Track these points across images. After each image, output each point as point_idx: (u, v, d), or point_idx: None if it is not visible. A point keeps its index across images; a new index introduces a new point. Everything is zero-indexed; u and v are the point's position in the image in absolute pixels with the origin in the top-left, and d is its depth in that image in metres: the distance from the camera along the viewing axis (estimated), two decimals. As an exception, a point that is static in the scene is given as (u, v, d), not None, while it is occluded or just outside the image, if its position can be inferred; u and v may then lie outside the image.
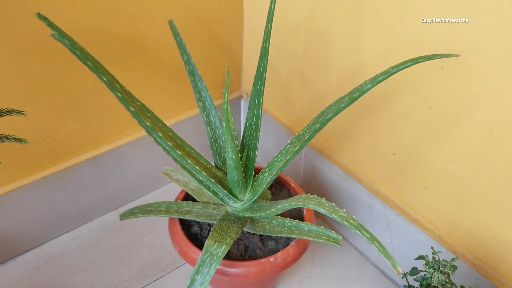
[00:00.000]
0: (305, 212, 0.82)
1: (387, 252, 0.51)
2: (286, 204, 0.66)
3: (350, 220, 0.55)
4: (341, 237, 0.70)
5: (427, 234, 0.83)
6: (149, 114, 0.67)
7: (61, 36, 0.53)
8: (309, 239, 0.72)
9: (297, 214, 0.83)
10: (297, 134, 0.73)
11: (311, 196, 0.64)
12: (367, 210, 0.93)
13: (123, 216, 0.80)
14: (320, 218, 1.08)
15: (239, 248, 0.77)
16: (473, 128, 0.68)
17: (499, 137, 0.65)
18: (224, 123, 0.62)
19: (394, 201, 0.87)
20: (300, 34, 0.92)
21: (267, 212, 0.70)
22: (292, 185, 0.87)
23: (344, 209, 0.58)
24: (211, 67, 1.05)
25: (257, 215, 0.73)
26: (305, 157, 1.04)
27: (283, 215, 0.79)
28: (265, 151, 1.17)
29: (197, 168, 0.68)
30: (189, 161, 0.67)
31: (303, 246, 0.77)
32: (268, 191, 0.85)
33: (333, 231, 0.70)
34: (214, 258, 0.64)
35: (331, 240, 0.70)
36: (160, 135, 0.64)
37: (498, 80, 0.62)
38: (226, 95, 0.62)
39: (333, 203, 0.59)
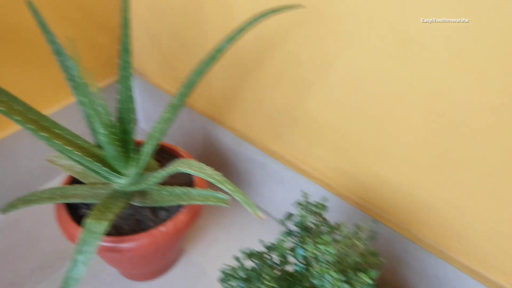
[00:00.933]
0: (195, 178, 0.83)
1: (249, 201, 0.53)
2: (163, 172, 0.66)
3: (215, 177, 0.56)
4: (229, 197, 0.72)
5: (316, 183, 0.87)
6: (5, 99, 0.63)
7: None
8: (199, 203, 0.73)
9: (189, 182, 0.84)
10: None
11: (183, 159, 0.65)
12: (262, 169, 0.96)
13: (5, 210, 0.76)
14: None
15: (130, 223, 0.76)
16: (338, 77, 0.72)
17: (359, 83, 0.69)
18: (81, 98, 0.60)
19: (284, 157, 0.90)
20: (174, 1, 0.90)
21: (148, 182, 0.70)
22: (182, 154, 0.88)
23: (212, 168, 0.59)
24: (92, 46, 1.02)
25: (140, 187, 0.72)
26: (201, 126, 1.04)
27: (174, 184, 0.80)
28: (164, 126, 1.16)
29: (69, 148, 0.66)
30: (58, 142, 0.65)
31: (195, 212, 0.78)
32: (156, 163, 0.84)
33: (220, 192, 0.72)
34: (95, 236, 0.63)
35: (220, 201, 0.72)
36: (19, 118, 0.61)
37: (352, 28, 0.65)
38: (79, 71, 0.60)
39: (202, 164, 0.60)
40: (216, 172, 0.57)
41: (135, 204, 0.78)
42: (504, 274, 0.69)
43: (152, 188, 0.78)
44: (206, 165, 0.59)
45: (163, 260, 0.86)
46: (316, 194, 0.87)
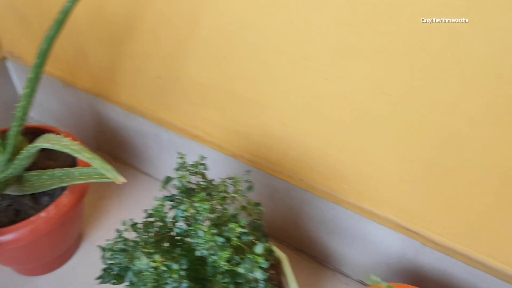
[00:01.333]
0: (78, 158, 0.78)
1: (107, 167, 0.50)
2: (24, 151, 0.61)
3: (72, 147, 0.53)
4: (113, 172, 0.68)
5: (209, 146, 0.85)
6: None
7: None
8: (81, 182, 0.69)
9: (72, 163, 0.79)
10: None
11: (45, 135, 0.60)
12: (156, 140, 0.93)
13: None
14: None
15: (8, 214, 0.70)
16: (207, 31, 0.69)
17: (229, 36, 0.67)
18: None
19: (175, 124, 0.87)
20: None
21: (14, 167, 0.64)
22: (63, 135, 0.82)
23: (69, 139, 0.55)
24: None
25: (8, 174, 0.67)
26: (88, 105, 0.98)
27: (56, 167, 0.74)
28: (50, 111, 1.08)
29: None
30: None
31: (79, 192, 0.74)
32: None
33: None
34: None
35: (103, 177, 0.68)
36: None
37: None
38: None
39: (61, 135, 0.56)
40: (73, 142, 0.54)
41: (12, 193, 0.72)
42: (391, 207, 0.72)
43: (31, 174, 0.72)
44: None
45: (58, 249, 0.81)
46: (210, 158, 0.85)
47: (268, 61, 0.66)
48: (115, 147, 1.02)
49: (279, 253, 0.71)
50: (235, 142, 0.82)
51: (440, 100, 0.56)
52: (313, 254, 0.88)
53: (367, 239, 0.78)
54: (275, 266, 0.71)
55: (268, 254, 0.67)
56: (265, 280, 0.53)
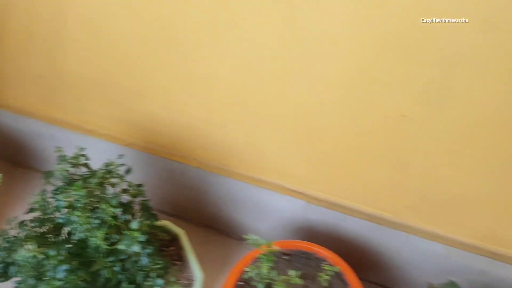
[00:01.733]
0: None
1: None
2: None
3: None
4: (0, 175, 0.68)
5: (104, 139, 0.86)
6: None
7: None
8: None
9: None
10: None
11: None
12: (52, 140, 0.92)
13: None
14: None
15: None
16: (77, 24, 0.70)
17: (100, 26, 0.68)
18: None
19: (66, 122, 0.87)
20: None
21: None
22: None
23: None
24: None
25: None
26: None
27: None
28: None
29: None
30: None
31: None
32: None
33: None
34: None
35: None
36: None
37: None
38: None
39: None
40: None
41: None
42: (276, 173, 0.77)
43: None
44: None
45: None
46: (107, 149, 0.86)
47: (140, 48, 0.69)
48: (13, 153, 1.00)
49: (176, 229, 0.75)
50: (127, 132, 0.84)
51: (295, 68, 0.61)
52: (219, 228, 0.93)
53: (261, 206, 0.83)
54: (174, 242, 0.75)
55: (162, 231, 0.71)
56: (149, 254, 0.56)
